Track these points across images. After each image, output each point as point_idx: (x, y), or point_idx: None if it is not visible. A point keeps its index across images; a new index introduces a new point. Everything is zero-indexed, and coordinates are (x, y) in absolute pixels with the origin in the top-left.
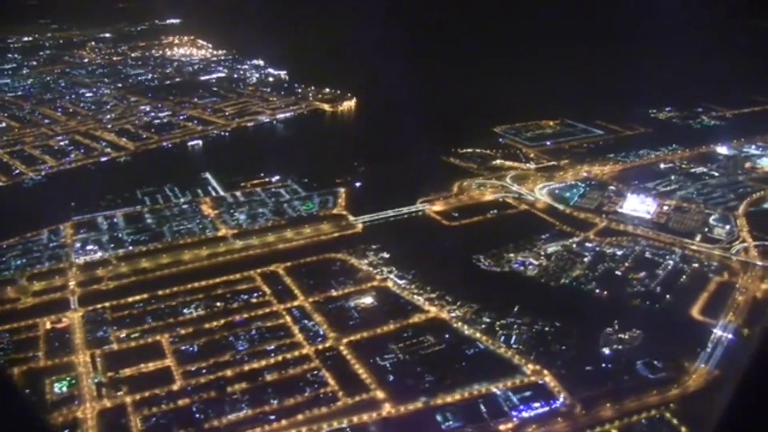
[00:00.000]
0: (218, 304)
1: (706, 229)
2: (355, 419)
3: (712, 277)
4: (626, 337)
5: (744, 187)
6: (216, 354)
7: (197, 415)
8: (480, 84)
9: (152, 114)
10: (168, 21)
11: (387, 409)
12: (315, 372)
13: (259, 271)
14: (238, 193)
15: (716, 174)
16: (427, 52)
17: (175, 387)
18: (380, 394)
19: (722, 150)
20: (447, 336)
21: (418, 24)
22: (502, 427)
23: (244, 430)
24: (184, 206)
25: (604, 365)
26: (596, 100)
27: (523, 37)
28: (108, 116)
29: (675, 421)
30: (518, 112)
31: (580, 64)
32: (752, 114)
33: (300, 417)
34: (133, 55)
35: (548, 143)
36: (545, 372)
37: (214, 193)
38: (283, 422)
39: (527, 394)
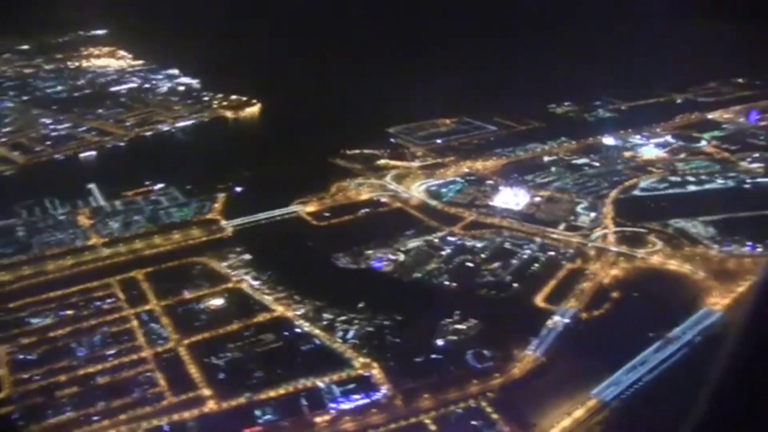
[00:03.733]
0: (69, 312)
1: (572, 218)
2: (175, 417)
3: (565, 264)
4: (463, 327)
5: (620, 175)
6: (53, 361)
7: (18, 423)
8: (378, 84)
9: (51, 126)
10: (93, 32)
11: (210, 405)
12: (147, 374)
13: (118, 277)
14: (117, 203)
15: (597, 164)
16: (333, 54)
17: (1, 395)
18: (207, 392)
19: (608, 141)
20: (286, 333)
21: (324, 28)
22: (318, 419)
23: None
24: (61, 218)
25: (434, 356)
26: (501, 97)
27: (428, 36)
28: (4, 130)
29: (489, 409)
30: (417, 111)
31: (485, 61)
32: (646, 106)
33: (122, 417)
34: (47, 67)
35: (438, 141)
36: (374, 365)
37: (94, 204)
38: (105, 422)
39: (350, 386)
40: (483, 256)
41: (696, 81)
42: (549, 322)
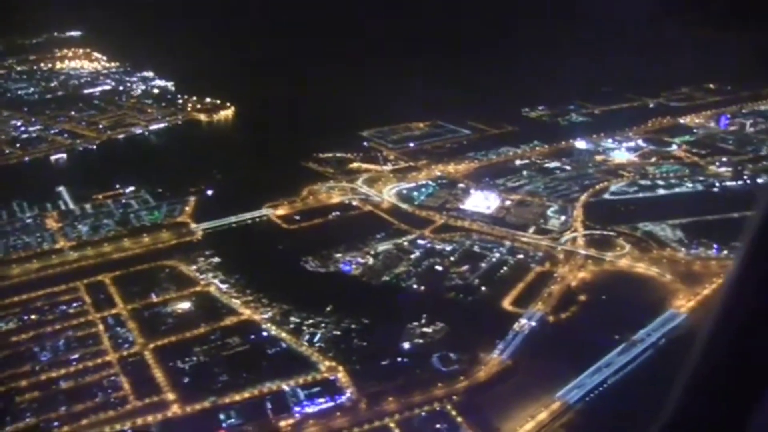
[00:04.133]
0: (33, 316)
1: (542, 221)
2: (139, 421)
3: (533, 267)
4: (429, 330)
5: (591, 179)
6: (15, 366)
7: None
8: (353, 88)
9: (22, 128)
10: (68, 34)
11: (174, 409)
12: (112, 378)
13: (85, 281)
14: (87, 206)
15: (568, 168)
16: (309, 58)
17: None
18: (171, 396)
19: (580, 145)
20: (253, 337)
21: (301, 32)
22: (282, 423)
23: None
24: (28, 221)
25: (400, 360)
26: (476, 101)
27: (405, 41)
28: None
29: (454, 413)
30: (392, 115)
31: (461, 66)
32: (619, 110)
33: (84, 422)
34: (19, 68)
35: (411, 145)
36: (340, 368)
37: (63, 207)
38: (65, 428)
39: (315, 390)
40: (452, 259)
41: (669, 86)
42: (516, 325)
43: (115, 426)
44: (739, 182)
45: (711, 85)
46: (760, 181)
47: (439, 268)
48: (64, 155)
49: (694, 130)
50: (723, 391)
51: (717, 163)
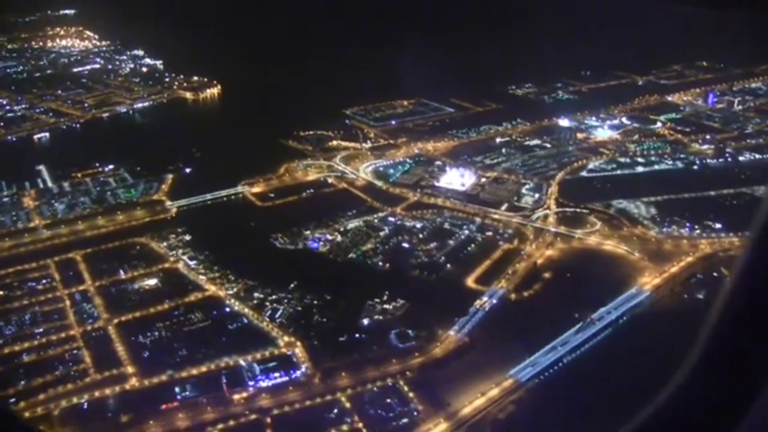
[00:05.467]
0: (0, 292)
1: (515, 198)
2: (96, 393)
3: (501, 245)
4: (390, 307)
5: (570, 156)
6: None
7: None
8: (339, 66)
9: (8, 107)
10: (61, 12)
11: (132, 382)
12: (74, 351)
13: (56, 259)
14: (65, 184)
15: (548, 146)
16: (296, 38)
17: None
18: (130, 369)
19: (563, 123)
20: (215, 312)
21: (290, 12)
22: (236, 396)
23: None
24: (5, 199)
25: (358, 336)
26: (464, 79)
27: (393, 18)
28: None
29: (406, 388)
30: (377, 93)
31: (450, 43)
32: (606, 88)
33: (41, 396)
34: (9, 46)
35: (393, 122)
36: (298, 344)
37: (42, 185)
38: (22, 404)
39: (271, 365)
40: (420, 236)
41: (661, 63)
42: (477, 303)
43: (72, 399)
44: (720, 160)
45: (704, 63)
46: (741, 159)
47: (406, 245)
48: (47, 134)
49: (681, 108)
50: (724, 380)
51: (700, 141)
